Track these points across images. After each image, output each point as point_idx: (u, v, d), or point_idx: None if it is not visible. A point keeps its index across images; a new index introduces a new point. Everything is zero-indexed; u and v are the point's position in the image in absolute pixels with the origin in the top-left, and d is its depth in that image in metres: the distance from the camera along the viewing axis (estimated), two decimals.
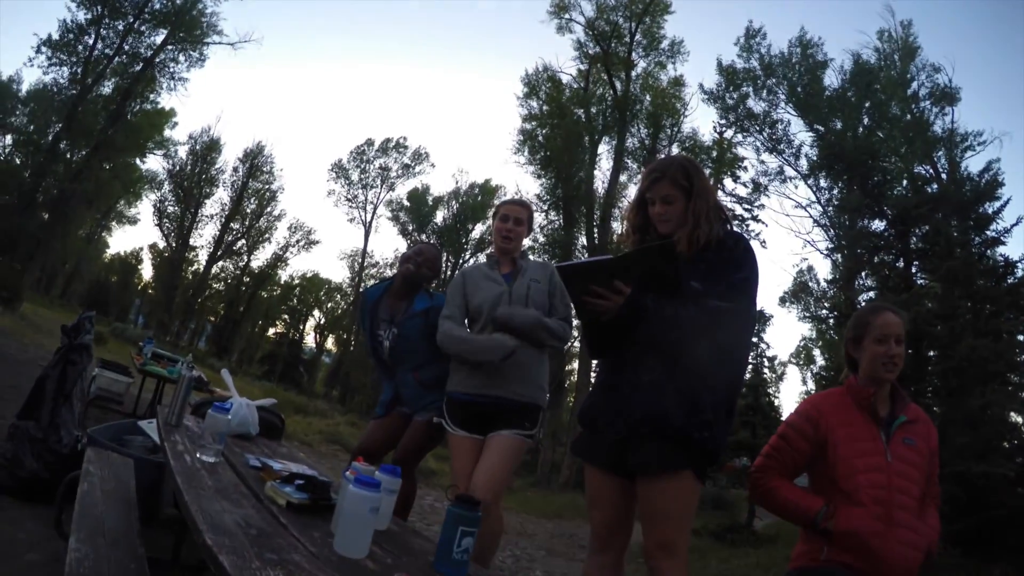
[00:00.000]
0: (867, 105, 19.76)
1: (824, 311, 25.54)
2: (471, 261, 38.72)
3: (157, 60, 23.57)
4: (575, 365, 25.44)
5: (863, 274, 12.37)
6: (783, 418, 2.46)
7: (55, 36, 22.02)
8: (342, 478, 1.68)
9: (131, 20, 22.43)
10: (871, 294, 10.80)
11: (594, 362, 3.06)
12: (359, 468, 1.66)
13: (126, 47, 22.75)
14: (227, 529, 1.43)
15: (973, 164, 17.93)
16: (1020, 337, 8.34)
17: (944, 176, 15.78)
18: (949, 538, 5.80)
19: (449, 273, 31.93)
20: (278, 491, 1.79)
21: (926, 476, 2.17)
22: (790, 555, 2.26)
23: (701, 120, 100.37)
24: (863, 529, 2.01)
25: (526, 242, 3.17)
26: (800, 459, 2.20)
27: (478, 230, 38.96)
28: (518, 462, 2.79)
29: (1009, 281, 8.14)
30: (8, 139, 24.21)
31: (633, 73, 23.80)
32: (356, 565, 1.40)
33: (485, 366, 2.74)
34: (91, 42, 22.28)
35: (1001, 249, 8.78)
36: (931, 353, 7.94)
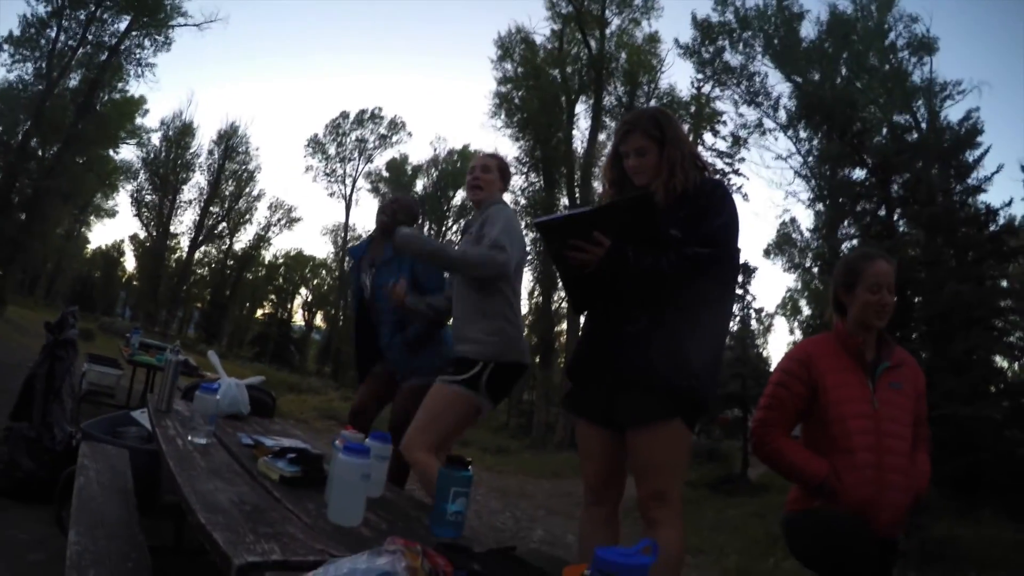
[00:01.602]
0: (844, 56, 19.68)
1: (808, 261, 25.77)
2: (453, 228, 38.69)
3: (122, 47, 22.95)
4: (564, 325, 25.53)
5: (846, 223, 12.42)
6: (772, 368, 2.47)
7: (16, 32, 21.43)
8: (332, 447, 1.69)
9: (93, 9, 21.76)
10: (854, 242, 10.86)
11: (580, 318, 3.02)
12: (347, 436, 1.67)
13: (90, 37, 22.13)
14: (221, 507, 1.43)
15: (953, 113, 18.01)
16: (1003, 283, 8.46)
17: (924, 125, 15.80)
18: (939, 480, 5.93)
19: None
20: (270, 466, 1.80)
21: (915, 419, 2.20)
22: (784, 502, 2.30)
23: (678, 76, 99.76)
24: (858, 479, 2.04)
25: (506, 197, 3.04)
26: (800, 403, 2.20)
27: (459, 196, 38.79)
28: (443, 410, 2.58)
29: (991, 228, 8.20)
30: None
31: (607, 31, 23.46)
32: (351, 533, 1.42)
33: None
34: (53, 35, 21.65)
35: (982, 197, 8.84)
36: (916, 299, 8.02)
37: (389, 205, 3.47)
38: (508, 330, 2.65)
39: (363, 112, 41.78)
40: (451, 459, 1.50)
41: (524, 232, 2.87)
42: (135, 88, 26.41)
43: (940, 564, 4.99)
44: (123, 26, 22.81)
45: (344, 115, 41.69)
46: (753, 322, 12.77)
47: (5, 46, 21.27)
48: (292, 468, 1.76)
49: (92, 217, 40.89)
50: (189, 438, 2.13)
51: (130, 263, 49.58)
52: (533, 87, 23.16)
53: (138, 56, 23.71)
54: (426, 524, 1.56)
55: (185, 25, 24.34)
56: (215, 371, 3.12)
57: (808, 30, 20.89)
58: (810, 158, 19.96)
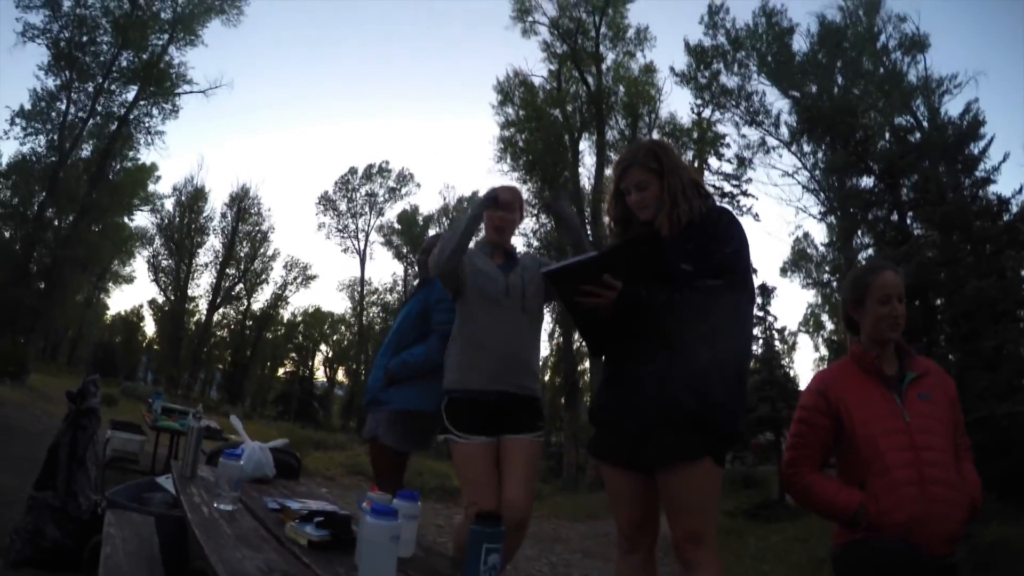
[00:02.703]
0: (839, 64, 19.76)
1: (826, 275, 25.56)
2: None
3: (131, 117, 23.54)
4: (586, 364, 25.34)
5: (859, 232, 12.35)
6: (800, 387, 2.40)
7: (27, 106, 22.03)
8: (359, 509, 1.65)
9: (100, 80, 22.42)
10: (870, 251, 10.77)
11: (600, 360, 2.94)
12: (374, 498, 1.63)
13: (99, 108, 22.73)
14: (249, 575, 1.40)
15: (952, 107, 17.81)
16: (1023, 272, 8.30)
17: (925, 124, 15.76)
18: (983, 484, 5.71)
19: None
20: (298, 531, 1.76)
21: (950, 428, 2.10)
22: (827, 526, 2.21)
23: (678, 103, 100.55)
24: (899, 499, 1.94)
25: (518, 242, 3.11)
26: (826, 436, 2.11)
27: (472, 243, 38.89)
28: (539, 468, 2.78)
29: (1005, 219, 8.09)
30: None
31: (604, 66, 23.80)
32: None
33: (490, 354, 2.62)
34: (64, 107, 22.28)
35: (992, 188, 8.77)
36: (938, 301, 7.90)
37: (427, 251, 3.55)
38: None
39: (371, 167, 42.34)
40: (481, 516, 1.45)
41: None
42: (146, 156, 27.21)
43: (993, 570, 4.79)
44: (131, 96, 23.46)
45: (352, 171, 42.27)
46: (777, 343, 12.56)
47: (17, 120, 21.84)
48: (320, 532, 1.72)
49: (110, 284, 41.40)
50: (215, 504, 2.11)
51: (150, 327, 50.06)
52: (536, 129, 23.36)
53: (147, 125, 24.34)
54: None
55: (191, 92, 25.01)
56: (238, 435, 3.10)
57: (800, 43, 21.05)
58: (816, 171, 19.91)
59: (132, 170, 27.27)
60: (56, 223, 22.50)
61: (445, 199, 41.14)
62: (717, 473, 1.93)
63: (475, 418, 2.58)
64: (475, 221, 2.80)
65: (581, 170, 23.75)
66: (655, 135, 22.35)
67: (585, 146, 24.19)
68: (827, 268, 24.77)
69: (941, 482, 1.97)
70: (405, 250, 40.73)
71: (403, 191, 42.13)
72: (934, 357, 6.38)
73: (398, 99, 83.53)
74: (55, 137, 21.98)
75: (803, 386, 2.38)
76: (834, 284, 23.68)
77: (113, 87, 22.99)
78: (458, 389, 2.63)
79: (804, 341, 40.61)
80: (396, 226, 41.49)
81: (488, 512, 1.47)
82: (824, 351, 34.21)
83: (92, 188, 22.10)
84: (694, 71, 22.09)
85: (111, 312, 50.59)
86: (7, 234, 23.15)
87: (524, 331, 2.71)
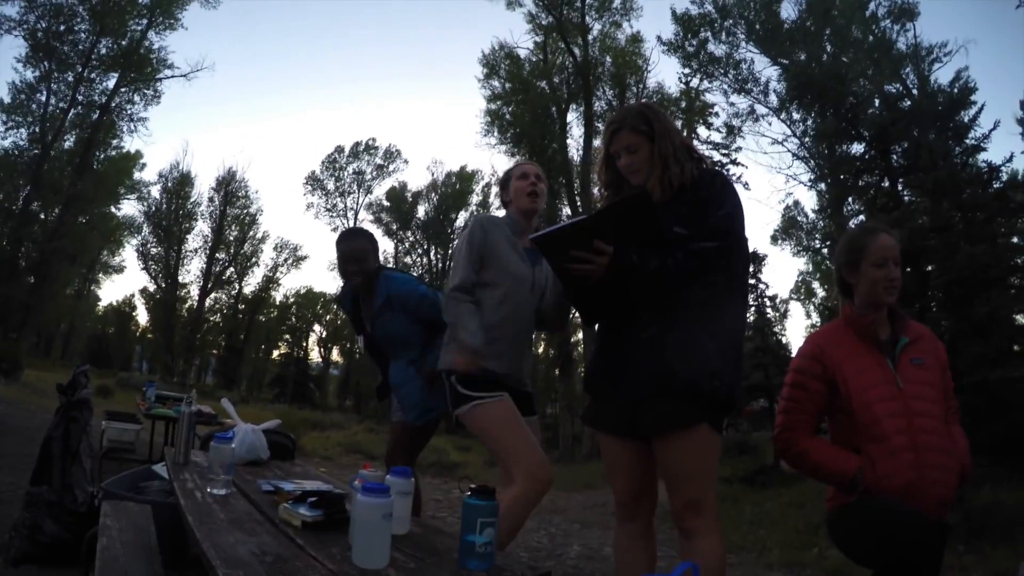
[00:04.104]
0: (828, 32, 19.60)
1: (817, 242, 25.59)
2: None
3: (113, 105, 23.27)
4: (579, 335, 25.39)
5: (850, 199, 12.34)
6: (792, 354, 2.38)
7: (6, 99, 21.78)
8: (350, 488, 1.64)
9: (80, 69, 22.08)
10: (861, 217, 10.76)
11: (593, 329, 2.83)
12: (366, 475, 1.62)
13: (80, 97, 22.43)
14: (241, 560, 1.38)
15: (942, 76, 17.75)
16: (1014, 239, 8.33)
17: (916, 91, 15.69)
18: (976, 448, 5.75)
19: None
20: (291, 512, 1.75)
21: (942, 393, 2.10)
22: (822, 491, 2.21)
23: (666, 73, 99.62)
24: (896, 466, 1.95)
25: None
26: (820, 400, 2.11)
27: (461, 218, 38.86)
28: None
29: (995, 186, 8.10)
30: None
31: (590, 37, 23.55)
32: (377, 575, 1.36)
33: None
34: (44, 99, 21.98)
35: (983, 156, 8.75)
36: (929, 268, 7.91)
37: (344, 267, 3.19)
38: None
39: (358, 144, 42.10)
40: (475, 489, 1.44)
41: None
42: (130, 144, 27.01)
43: (988, 534, 4.85)
44: (111, 84, 23.16)
45: (339, 149, 42.00)
46: (769, 310, 12.62)
47: None
48: (314, 512, 1.71)
49: (100, 275, 41.27)
50: (208, 490, 2.09)
51: (142, 316, 49.92)
52: (523, 101, 23.21)
53: (129, 112, 24.10)
54: (455, 558, 1.50)
55: (172, 77, 24.70)
56: (231, 418, 3.08)
57: (788, 11, 20.87)
58: (806, 139, 19.86)
59: (116, 159, 27.03)
60: (42, 216, 22.30)
61: (433, 174, 41.12)
62: (715, 440, 1.92)
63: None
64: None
65: (569, 141, 23.67)
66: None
67: (573, 117, 24.09)
68: (818, 235, 24.81)
69: (935, 448, 1.97)
70: (395, 227, 40.62)
71: (391, 168, 41.97)
72: (927, 323, 6.41)
73: (384, 76, 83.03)
74: (36, 129, 21.72)
75: (795, 353, 2.35)
76: (825, 251, 23.73)
77: (93, 75, 22.69)
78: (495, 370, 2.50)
79: (796, 308, 40.95)
80: (385, 203, 41.32)
81: (482, 486, 1.45)
82: (816, 318, 34.44)
83: (77, 179, 21.86)
84: (681, 40, 21.92)
85: (103, 303, 50.53)
86: None
87: (532, 326, 2.69)
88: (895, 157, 9.54)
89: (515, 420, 2.42)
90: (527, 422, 2.49)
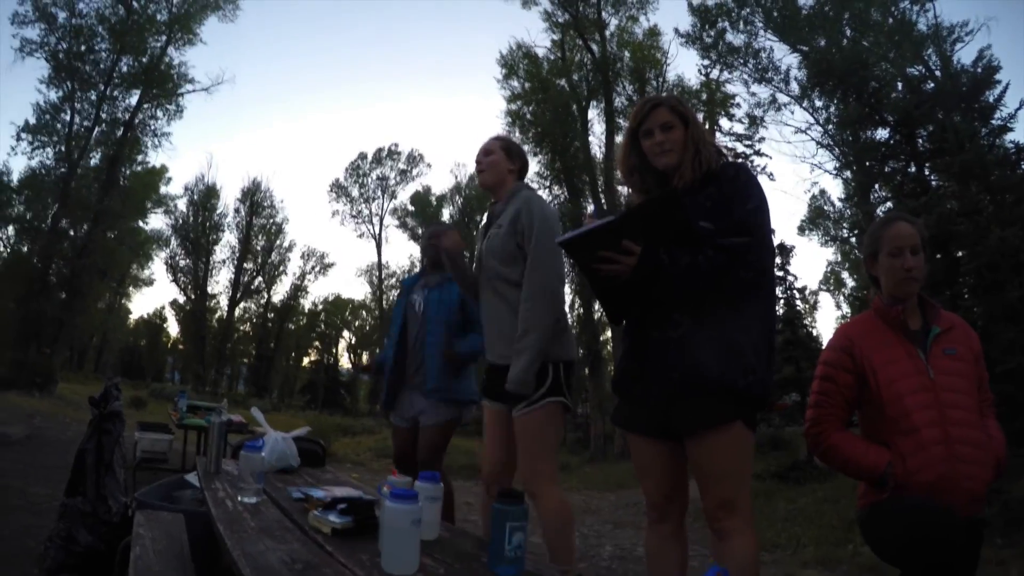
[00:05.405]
0: (847, 16, 19.26)
1: (844, 231, 25.19)
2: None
3: (136, 121, 23.59)
4: (608, 333, 25.25)
5: (876, 186, 12.10)
6: (824, 347, 2.33)
7: (32, 120, 22.18)
8: (378, 494, 1.63)
9: (102, 88, 22.43)
10: (888, 204, 10.56)
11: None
12: (394, 482, 1.61)
13: (103, 115, 22.75)
14: (271, 568, 1.39)
15: (965, 55, 17.31)
16: None
17: (938, 73, 15.36)
18: (1011, 438, 5.58)
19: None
20: (321, 520, 1.75)
21: (975, 384, 2.05)
22: (856, 485, 2.16)
23: (685, 66, 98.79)
24: (927, 459, 1.90)
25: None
26: (850, 393, 2.07)
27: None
28: (540, 438, 2.42)
29: (1023, 167, 7.90)
30: (11, 230, 24.56)
31: (607, 32, 23.37)
32: None
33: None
34: (68, 118, 22.34)
35: (1010, 136, 8.55)
36: (959, 254, 7.74)
37: (433, 236, 3.62)
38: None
39: (380, 150, 42.40)
40: (503, 493, 1.42)
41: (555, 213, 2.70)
42: (155, 158, 27.27)
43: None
44: (134, 100, 23.47)
45: (362, 156, 42.37)
46: (798, 302, 12.43)
47: (24, 135, 21.99)
48: (343, 519, 1.71)
49: (131, 288, 42.05)
50: (239, 498, 2.11)
51: (173, 328, 50.84)
52: (543, 100, 23.12)
53: (153, 127, 24.38)
54: (485, 563, 1.48)
55: (194, 91, 25.01)
56: (261, 427, 3.11)
57: None
58: (830, 126, 19.50)
59: (142, 174, 27.49)
60: (71, 233, 22.70)
61: (456, 177, 41.11)
62: (748, 438, 1.88)
63: (491, 383, 2.59)
64: (456, 272, 2.82)
65: (591, 138, 23.50)
66: None
67: (594, 114, 23.88)
68: (845, 224, 24.36)
69: (968, 441, 1.92)
70: (420, 231, 40.78)
71: (414, 172, 42.24)
72: (958, 310, 6.25)
73: (403, 81, 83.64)
74: (62, 148, 22.10)
75: (826, 345, 2.31)
76: (853, 240, 23.34)
77: (116, 93, 23.01)
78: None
79: (825, 300, 40.31)
80: (410, 208, 41.50)
81: (509, 490, 1.44)
82: (846, 308, 33.95)
83: (104, 195, 22.21)
84: (699, 31, 21.64)
85: (134, 316, 51.49)
86: (24, 248, 23.47)
87: (488, 299, 2.62)
88: (920, 141, 9.36)
89: (486, 426, 2.66)
90: (515, 417, 2.53)
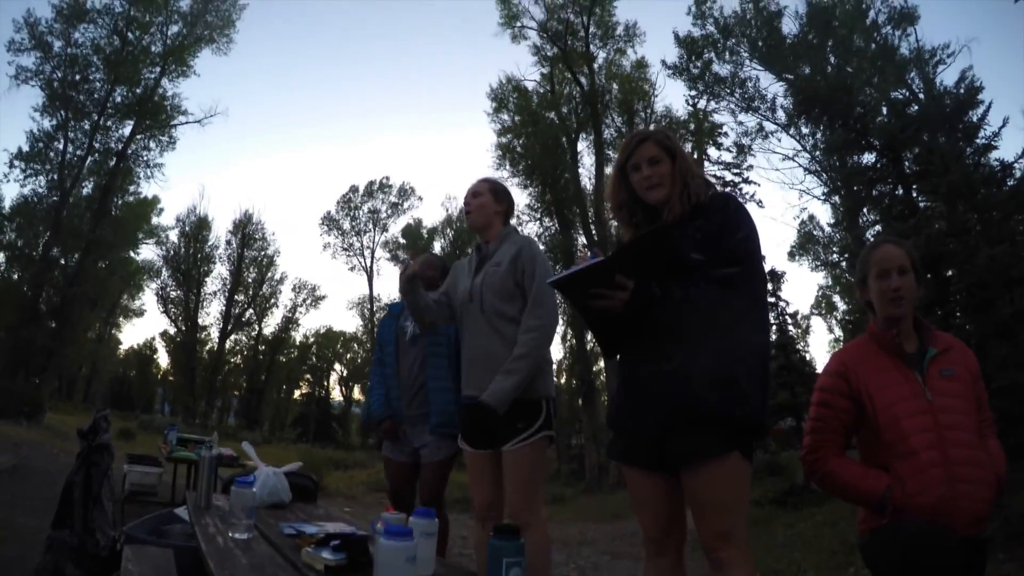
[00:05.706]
0: (830, 43, 19.64)
1: (835, 255, 25.37)
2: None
3: (129, 151, 23.68)
4: (601, 364, 25.21)
5: (865, 210, 12.24)
6: (818, 371, 2.33)
7: (25, 148, 22.19)
8: (371, 530, 1.61)
9: (96, 118, 22.55)
10: (877, 227, 10.66)
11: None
12: (388, 518, 1.58)
13: (96, 145, 22.84)
14: None
15: (947, 77, 17.67)
16: None
17: (922, 95, 15.62)
18: (1008, 453, 5.56)
19: None
20: (314, 556, 1.72)
21: (974, 404, 2.04)
22: (856, 510, 2.14)
23: (672, 96, 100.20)
24: (925, 482, 1.88)
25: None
26: (847, 418, 2.06)
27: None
28: (535, 471, 2.54)
29: (1009, 183, 8.00)
30: (1, 257, 24.38)
31: (596, 65, 23.79)
32: None
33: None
34: (61, 147, 22.41)
35: (994, 154, 8.68)
36: (949, 273, 7.80)
37: (429, 261, 3.62)
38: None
39: (372, 184, 42.32)
40: (499, 528, 1.40)
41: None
42: (147, 189, 27.40)
43: None
44: (127, 131, 23.60)
45: (354, 189, 42.27)
46: (791, 327, 12.45)
47: (16, 162, 21.98)
48: (336, 556, 1.67)
49: (121, 318, 41.77)
50: (230, 534, 2.07)
51: (163, 359, 50.35)
52: (532, 133, 23.35)
53: (145, 158, 24.48)
54: None
55: (187, 123, 25.16)
56: (252, 461, 3.07)
57: (790, 26, 20.94)
58: (817, 152, 19.76)
59: (134, 204, 27.47)
60: (62, 262, 22.63)
61: (447, 210, 41.12)
62: (745, 468, 1.86)
63: (469, 425, 2.65)
64: (407, 296, 2.77)
65: (581, 170, 23.78)
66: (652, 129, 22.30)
67: (583, 146, 24.24)
68: (835, 248, 24.55)
69: (967, 462, 1.91)
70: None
71: (405, 205, 42.20)
72: (951, 329, 6.28)
73: (394, 114, 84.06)
74: (55, 177, 22.11)
75: (820, 369, 2.31)
76: (843, 264, 23.51)
77: (109, 123, 23.15)
78: (463, 396, 2.69)
79: (818, 324, 40.45)
80: (401, 241, 41.45)
81: (506, 525, 1.41)
82: (838, 332, 34.04)
83: (96, 225, 22.19)
84: (686, 62, 21.99)
85: (124, 346, 50.99)
86: (15, 276, 23.32)
87: (483, 332, 2.61)
88: (907, 163, 9.49)
89: (470, 469, 2.70)
90: (503, 457, 2.58)
